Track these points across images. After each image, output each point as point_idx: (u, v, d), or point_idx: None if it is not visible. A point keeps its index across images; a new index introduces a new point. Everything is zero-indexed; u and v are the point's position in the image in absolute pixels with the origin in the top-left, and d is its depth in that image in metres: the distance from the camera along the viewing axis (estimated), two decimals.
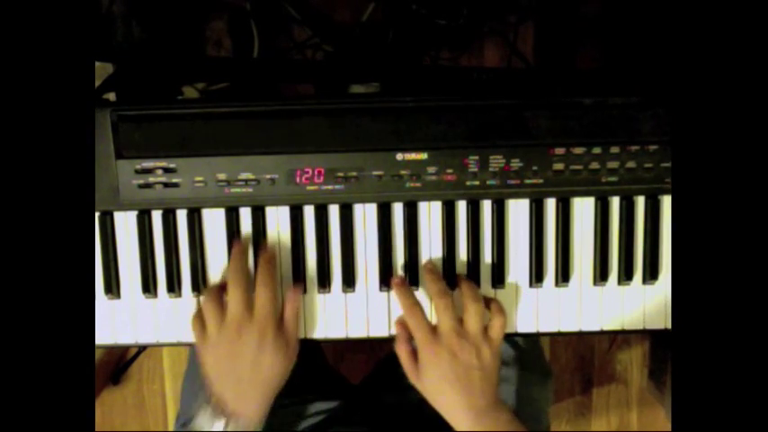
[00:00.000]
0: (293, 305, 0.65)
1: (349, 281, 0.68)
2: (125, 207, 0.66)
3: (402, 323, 0.66)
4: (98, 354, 1.35)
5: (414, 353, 0.65)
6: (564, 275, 0.68)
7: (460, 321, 0.63)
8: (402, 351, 0.65)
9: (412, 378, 0.65)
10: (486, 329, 0.63)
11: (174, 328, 0.68)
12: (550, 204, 0.68)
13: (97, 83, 0.76)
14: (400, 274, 0.68)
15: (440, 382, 0.62)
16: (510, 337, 0.78)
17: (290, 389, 0.66)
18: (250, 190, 0.66)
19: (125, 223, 0.67)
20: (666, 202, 0.67)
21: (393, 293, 0.67)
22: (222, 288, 0.64)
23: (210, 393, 0.63)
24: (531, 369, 0.81)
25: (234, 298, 0.62)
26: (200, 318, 0.64)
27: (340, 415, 0.81)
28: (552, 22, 1.12)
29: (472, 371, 0.62)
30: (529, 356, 0.82)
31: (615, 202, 0.68)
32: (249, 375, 0.62)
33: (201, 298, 0.65)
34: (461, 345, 0.62)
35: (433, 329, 0.63)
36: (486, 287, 0.68)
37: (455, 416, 0.62)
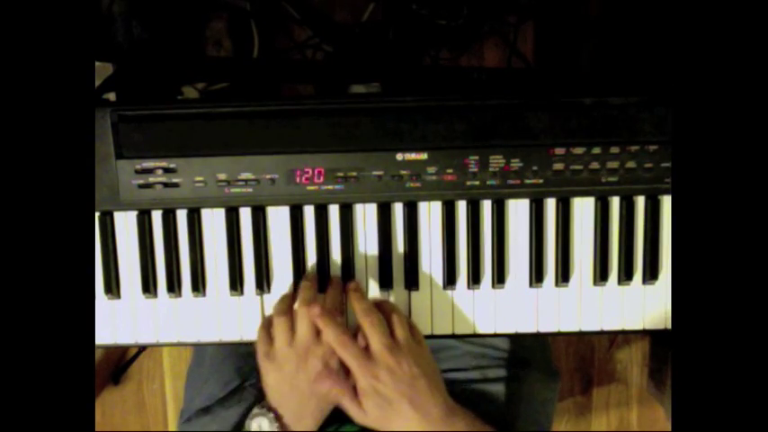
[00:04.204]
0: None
1: (349, 281, 0.68)
2: (125, 207, 0.66)
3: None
4: (98, 354, 1.35)
5: (354, 390, 0.61)
6: (564, 275, 0.68)
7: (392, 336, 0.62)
8: (343, 392, 0.61)
9: (358, 417, 0.61)
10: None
11: (174, 327, 0.68)
12: (550, 204, 0.68)
13: (97, 83, 0.76)
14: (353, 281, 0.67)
15: (387, 406, 0.60)
16: (511, 337, 0.78)
17: None
18: (250, 190, 0.66)
19: (125, 223, 0.67)
20: (666, 202, 0.68)
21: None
22: (291, 304, 0.65)
23: (268, 403, 0.64)
24: (538, 369, 0.80)
25: (304, 322, 0.62)
26: (267, 331, 0.64)
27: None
28: (552, 22, 1.12)
29: (416, 381, 0.60)
30: (535, 355, 0.81)
31: (615, 202, 0.68)
32: (310, 393, 0.62)
33: (274, 311, 0.65)
34: (398, 359, 0.60)
35: (367, 353, 0.61)
36: (486, 287, 0.68)
37: None
